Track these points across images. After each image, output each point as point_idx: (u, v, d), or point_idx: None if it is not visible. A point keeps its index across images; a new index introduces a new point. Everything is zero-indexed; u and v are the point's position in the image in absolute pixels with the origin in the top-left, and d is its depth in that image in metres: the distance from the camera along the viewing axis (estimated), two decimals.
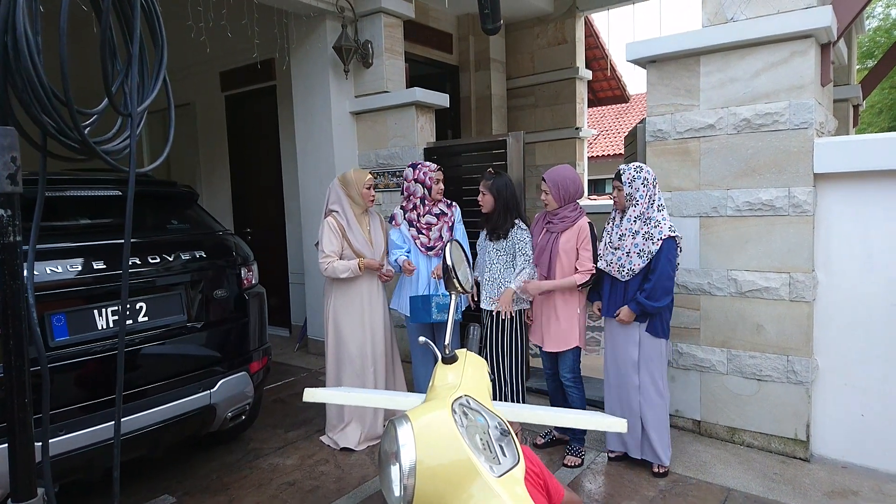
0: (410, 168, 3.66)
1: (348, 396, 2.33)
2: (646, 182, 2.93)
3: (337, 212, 3.49)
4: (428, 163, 3.67)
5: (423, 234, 3.60)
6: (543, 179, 3.20)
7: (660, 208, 2.95)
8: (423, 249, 3.59)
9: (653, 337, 2.96)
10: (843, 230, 3.03)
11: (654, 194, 2.95)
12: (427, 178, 3.57)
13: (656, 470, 3.02)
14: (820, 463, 3.11)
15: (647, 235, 2.89)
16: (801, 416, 3.14)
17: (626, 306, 2.96)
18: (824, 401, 3.13)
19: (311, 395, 2.31)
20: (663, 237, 2.85)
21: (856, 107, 6.86)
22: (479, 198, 3.38)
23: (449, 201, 3.74)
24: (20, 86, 0.83)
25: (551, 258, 3.18)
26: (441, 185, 3.62)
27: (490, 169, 3.50)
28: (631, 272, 2.93)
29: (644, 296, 2.88)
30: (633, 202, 2.95)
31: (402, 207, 3.69)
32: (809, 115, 3.00)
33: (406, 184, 3.66)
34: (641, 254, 2.89)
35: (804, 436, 3.14)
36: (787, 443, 3.19)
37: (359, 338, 3.50)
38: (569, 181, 3.15)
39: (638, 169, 2.96)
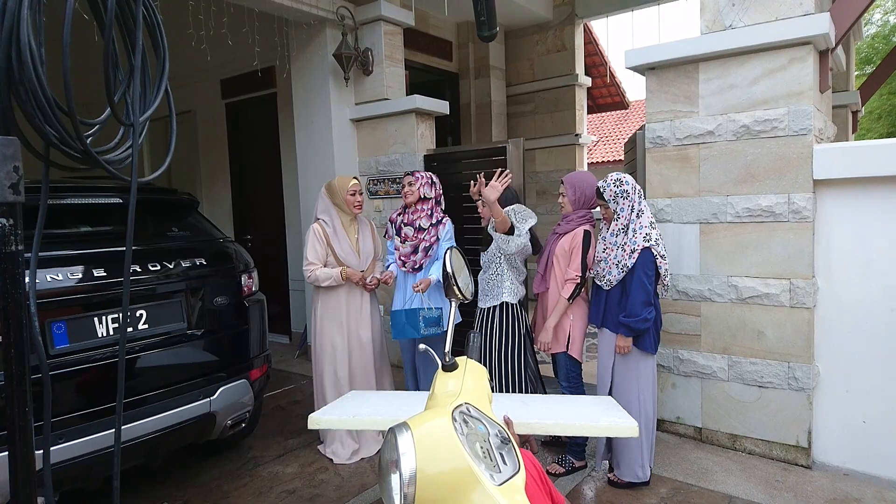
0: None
1: (352, 421, 2.24)
2: (626, 194, 2.91)
3: (324, 220, 3.46)
4: (418, 171, 3.60)
5: (402, 244, 3.54)
6: (562, 182, 3.21)
7: (639, 214, 2.91)
8: (399, 262, 3.55)
9: (637, 351, 2.93)
10: (843, 236, 3.03)
11: (635, 202, 2.92)
12: (403, 183, 3.55)
13: (612, 478, 3.03)
14: (822, 470, 3.10)
15: (625, 247, 2.89)
16: (803, 422, 3.13)
17: (618, 336, 2.93)
18: (826, 407, 3.13)
19: (315, 422, 2.20)
20: (638, 248, 2.84)
21: (854, 112, 6.88)
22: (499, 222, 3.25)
23: (439, 218, 3.53)
24: (23, 96, 0.84)
25: (548, 259, 3.20)
26: (411, 189, 3.47)
27: None
28: (610, 283, 2.96)
29: (624, 316, 2.87)
30: (617, 216, 2.96)
31: (390, 220, 3.67)
32: (808, 122, 3.01)
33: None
34: (619, 265, 2.90)
35: (806, 443, 3.13)
36: (788, 450, 3.18)
37: (341, 350, 3.43)
38: (587, 185, 3.15)
39: (617, 183, 2.93)
